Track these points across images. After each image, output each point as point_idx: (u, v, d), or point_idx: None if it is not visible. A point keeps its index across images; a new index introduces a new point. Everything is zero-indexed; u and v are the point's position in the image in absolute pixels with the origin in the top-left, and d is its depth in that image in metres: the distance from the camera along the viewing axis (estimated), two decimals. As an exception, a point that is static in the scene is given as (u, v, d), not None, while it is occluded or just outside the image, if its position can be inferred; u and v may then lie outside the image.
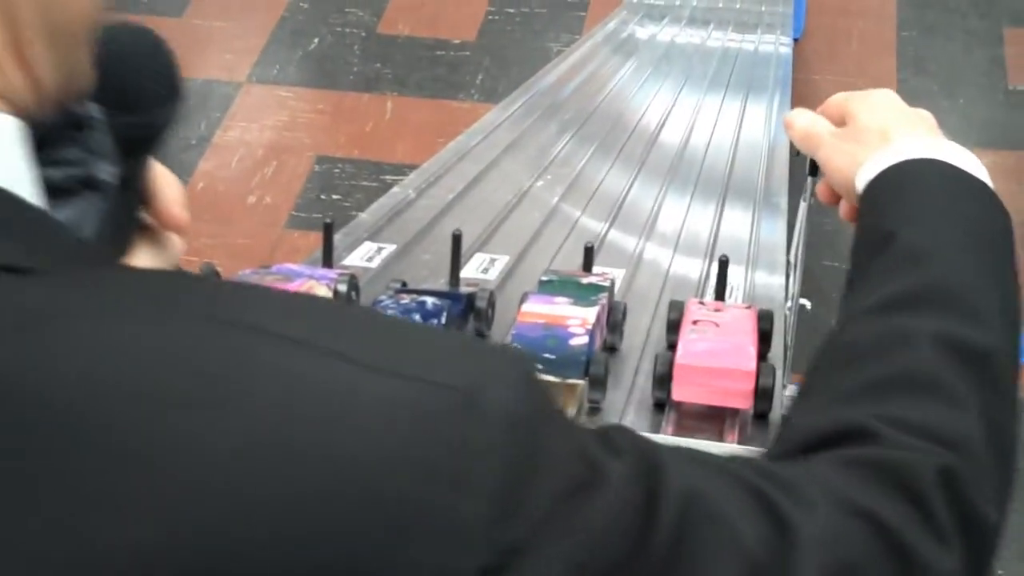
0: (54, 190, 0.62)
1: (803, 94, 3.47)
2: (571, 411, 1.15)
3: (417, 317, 1.17)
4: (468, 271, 1.48)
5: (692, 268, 1.61)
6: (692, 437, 1.10)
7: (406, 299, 1.20)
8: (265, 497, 0.48)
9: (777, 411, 1.16)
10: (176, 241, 0.74)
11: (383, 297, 1.23)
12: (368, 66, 3.57)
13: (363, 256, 1.49)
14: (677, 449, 0.64)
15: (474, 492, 0.50)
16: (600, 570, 0.55)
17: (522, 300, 1.21)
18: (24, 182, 0.57)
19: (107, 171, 0.66)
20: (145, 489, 0.48)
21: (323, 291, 1.29)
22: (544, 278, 1.28)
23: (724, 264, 1.32)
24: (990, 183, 0.91)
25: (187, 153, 3.26)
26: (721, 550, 0.60)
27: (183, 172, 3.20)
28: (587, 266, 1.35)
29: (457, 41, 3.65)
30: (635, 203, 1.87)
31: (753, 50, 3.27)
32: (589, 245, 1.35)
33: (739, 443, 1.09)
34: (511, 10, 3.76)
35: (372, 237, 1.56)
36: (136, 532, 0.47)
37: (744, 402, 1.12)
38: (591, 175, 1.96)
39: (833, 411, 0.75)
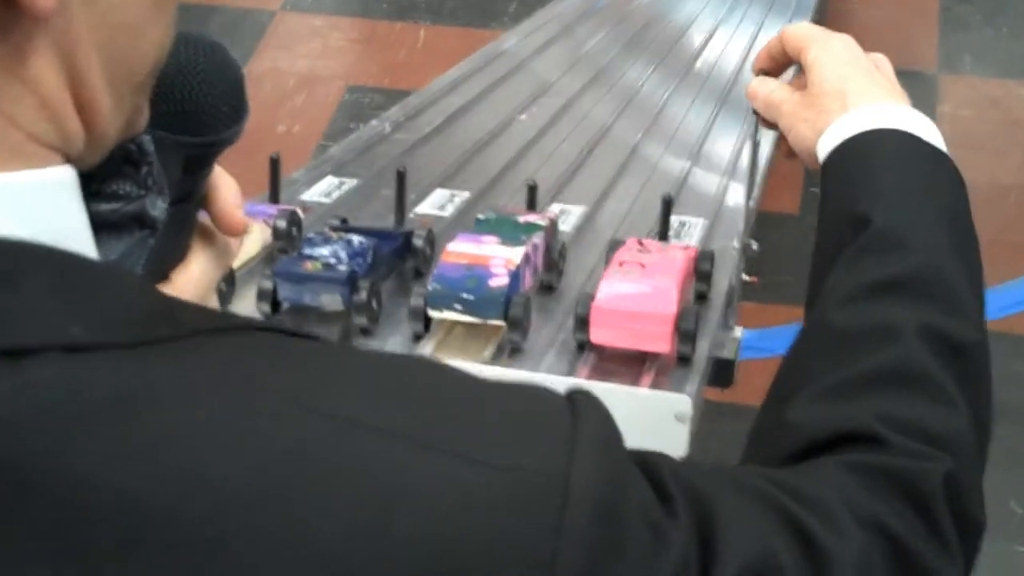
0: (105, 225, 0.62)
1: (843, 22, 3.40)
2: (489, 350, 1.15)
3: (342, 254, 1.17)
4: (425, 207, 1.47)
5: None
6: (608, 381, 1.09)
7: (333, 236, 1.20)
8: None
9: (704, 353, 1.15)
10: (233, 243, 0.72)
11: (311, 233, 1.22)
12: (403, -7, 3.56)
13: (322, 191, 1.49)
14: (714, 473, 0.65)
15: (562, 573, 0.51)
16: None
17: (450, 239, 1.21)
18: (82, 236, 0.55)
19: (160, 208, 0.64)
20: None
21: (256, 230, 1.29)
22: (480, 216, 1.27)
23: (667, 203, 1.30)
24: (945, 148, 0.91)
25: (218, 82, 3.27)
26: None
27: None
28: (530, 204, 1.33)
29: (496, -34, 3.62)
30: (620, 135, 1.85)
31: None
32: (531, 183, 1.34)
33: (654, 387, 1.08)
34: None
35: (336, 171, 1.55)
36: None
37: (663, 346, 1.11)
38: (586, 104, 1.94)
39: (830, 410, 0.75)
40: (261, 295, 1.16)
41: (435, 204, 1.48)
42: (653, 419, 1.06)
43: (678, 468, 0.62)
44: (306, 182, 1.51)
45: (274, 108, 3.22)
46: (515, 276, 1.14)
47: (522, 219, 1.26)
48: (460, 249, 1.18)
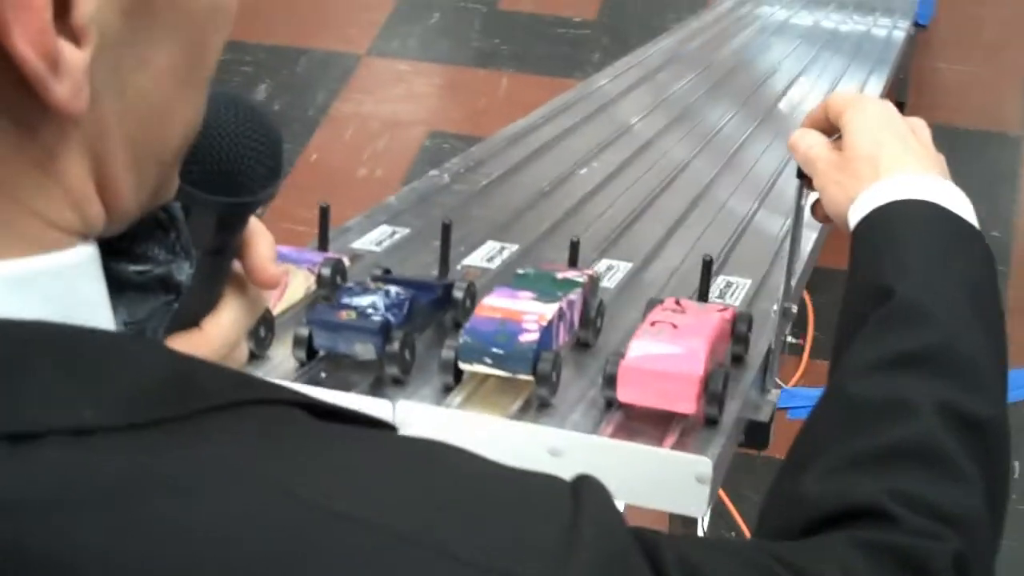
0: (131, 285, 0.63)
1: (927, 82, 3.38)
2: (517, 404, 1.16)
3: (379, 304, 1.19)
4: (474, 259, 1.49)
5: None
6: (633, 440, 1.10)
7: (372, 286, 1.22)
8: None
9: (732, 415, 1.15)
10: (264, 295, 0.73)
11: (351, 283, 1.25)
12: (486, 42, 3.60)
13: (374, 240, 1.51)
14: (715, 549, 0.66)
15: None
16: None
17: (488, 293, 1.22)
18: (98, 310, 0.56)
19: (186, 273, 0.65)
20: None
21: (300, 277, 1.32)
22: (520, 271, 1.29)
23: (708, 264, 1.30)
24: (976, 222, 0.91)
25: (303, 124, 3.33)
26: None
27: (298, 143, 3.27)
28: (572, 260, 1.35)
29: (578, 19, 3.65)
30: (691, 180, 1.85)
31: (864, 32, 3.20)
32: (575, 239, 1.35)
33: (677, 447, 1.08)
34: (636, -13, 3.74)
35: (391, 221, 1.57)
36: None
37: (688, 406, 1.11)
38: (659, 149, 1.95)
39: (842, 483, 0.76)
40: (297, 342, 1.18)
41: (484, 256, 1.49)
42: (674, 479, 1.07)
43: (678, 545, 0.62)
44: (359, 230, 1.54)
45: (356, 152, 3.27)
46: (546, 332, 1.16)
47: (560, 275, 1.28)
48: (495, 303, 1.19)
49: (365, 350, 1.17)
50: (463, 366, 1.15)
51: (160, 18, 0.53)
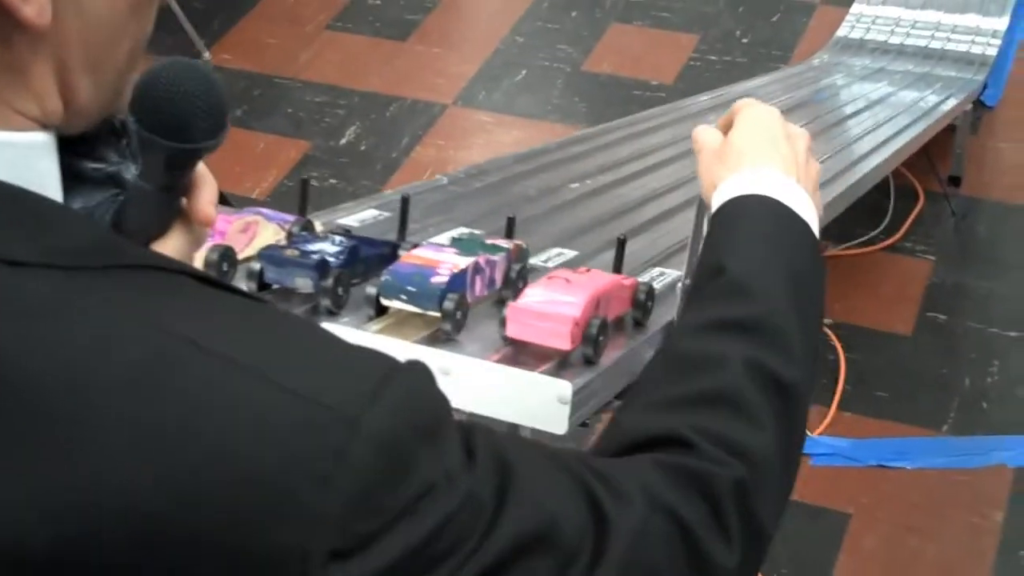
0: (87, 179, 0.81)
1: (986, 161, 3.50)
2: (423, 335, 1.35)
3: (325, 248, 1.39)
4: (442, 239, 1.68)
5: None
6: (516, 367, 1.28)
7: (322, 236, 1.43)
8: (167, 469, 0.65)
9: (610, 360, 1.32)
10: (205, 231, 0.90)
11: (306, 232, 1.45)
12: (566, 100, 3.81)
13: (358, 219, 1.72)
14: (530, 447, 0.80)
15: (336, 491, 0.66)
16: (436, 554, 0.69)
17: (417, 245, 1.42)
18: (50, 185, 0.73)
19: (132, 173, 0.83)
20: (79, 449, 0.65)
21: (271, 229, 1.53)
22: (455, 235, 1.48)
23: (622, 242, 1.48)
24: (815, 226, 1.06)
25: (386, 164, 3.58)
26: (542, 541, 0.75)
27: (378, 180, 3.51)
28: (508, 234, 1.54)
29: (655, 82, 3.84)
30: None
31: (926, 108, 3.32)
32: (511, 216, 1.54)
33: (543, 372, 1.26)
34: (713, 57, 3.92)
35: (380, 207, 1.78)
36: (67, 479, 0.65)
37: (563, 343, 1.29)
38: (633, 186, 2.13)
39: (657, 417, 0.91)
40: (248, 275, 1.39)
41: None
42: (540, 400, 1.24)
43: (495, 437, 0.77)
44: (348, 211, 1.75)
45: (431, 191, 3.50)
46: (457, 278, 1.35)
47: (489, 241, 1.47)
48: (420, 253, 1.39)
49: (304, 284, 1.37)
50: (383, 301, 1.35)
51: None
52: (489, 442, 0.75)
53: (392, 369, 0.71)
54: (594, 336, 1.30)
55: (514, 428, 1.25)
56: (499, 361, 1.29)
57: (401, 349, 1.31)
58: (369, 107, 3.76)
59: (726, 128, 1.16)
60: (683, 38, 3.99)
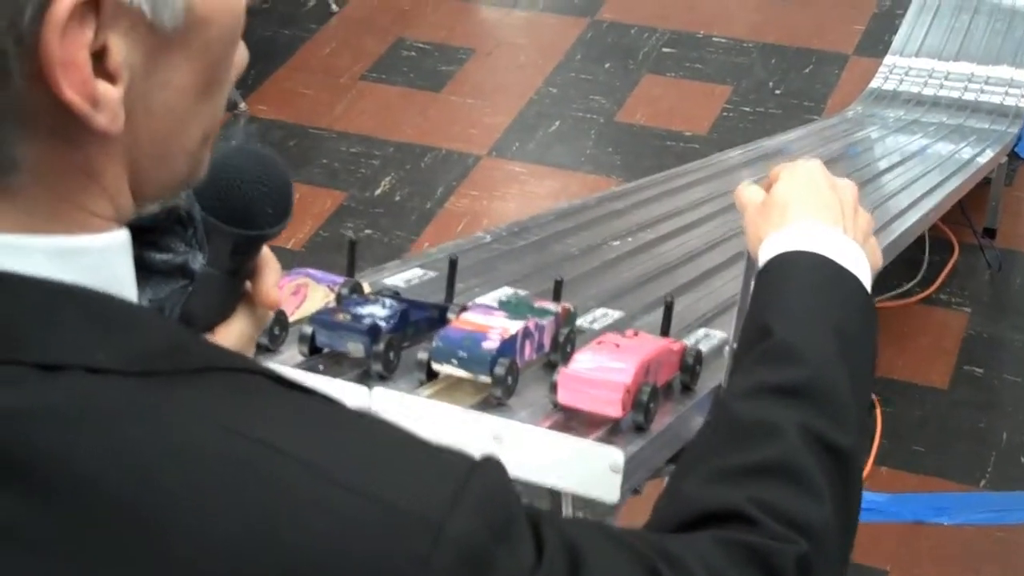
0: (155, 270, 0.83)
1: (1022, 213, 3.50)
2: (475, 400, 1.36)
3: (376, 312, 1.40)
4: (487, 299, 1.69)
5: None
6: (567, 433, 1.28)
7: (372, 299, 1.44)
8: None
9: (662, 427, 1.33)
10: (269, 313, 0.92)
11: (357, 296, 1.47)
12: (600, 150, 3.83)
13: (404, 279, 1.73)
14: (595, 528, 0.80)
15: None
16: None
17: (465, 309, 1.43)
18: (126, 284, 0.73)
19: (199, 263, 0.84)
20: (161, 559, 0.64)
21: (320, 292, 1.54)
22: (503, 298, 1.49)
23: (669, 305, 1.49)
24: (867, 277, 1.05)
25: (421, 214, 3.60)
26: None
27: (412, 231, 3.53)
28: (555, 296, 1.54)
29: (689, 133, 3.85)
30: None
31: (961, 161, 3.33)
32: (558, 279, 1.55)
33: (594, 439, 1.27)
34: (747, 109, 3.93)
35: (425, 266, 1.79)
36: None
37: (615, 410, 1.29)
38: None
39: (714, 490, 0.90)
40: (301, 339, 1.40)
41: (495, 297, 1.69)
42: (591, 468, 1.25)
43: (562, 523, 0.76)
44: (394, 270, 1.76)
45: (465, 241, 3.52)
46: (508, 344, 1.35)
47: (538, 304, 1.48)
48: (469, 318, 1.40)
49: (356, 348, 1.38)
50: (434, 366, 1.36)
51: (178, 50, 0.70)
52: (557, 528, 0.75)
53: (471, 469, 0.71)
54: (645, 403, 1.30)
55: (561, 497, 1.25)
56: (550, 428, 1.29)
57: (453, 415, 1.31)
58: (404, 158, 3.79)
59: (769, 188, 1.14)
60: (716, 89, 4.01)
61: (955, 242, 3.39)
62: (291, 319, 1.45)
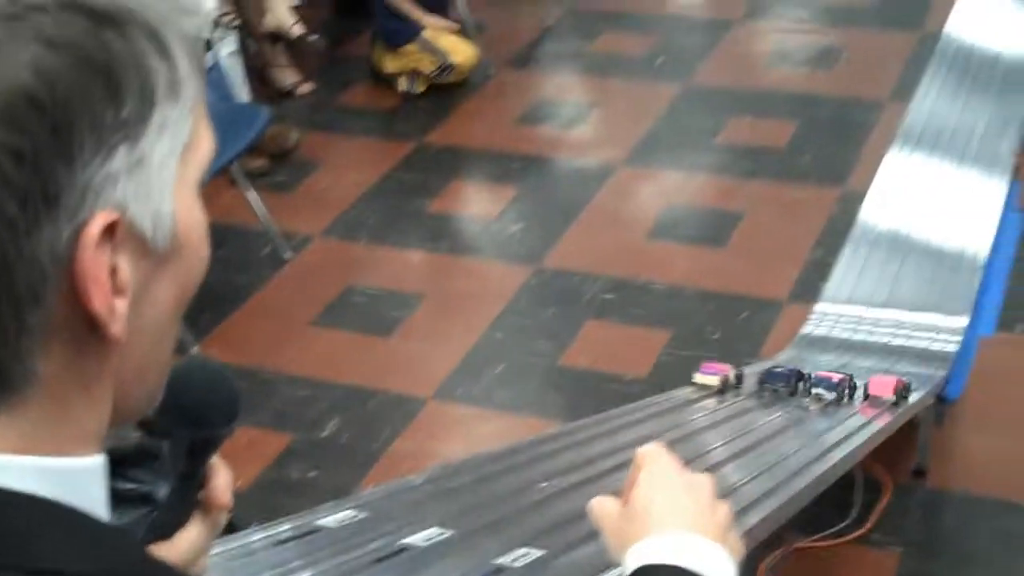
0: (121, 498, 0.89)
1: (952, 453, 3.60)
2: None
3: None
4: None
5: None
6: None
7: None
8: None
9: None
10: (223, 517, 0.98)
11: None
12: (543, 393, 3.93)
13: (337, 519, 1.79)
14: None
15: None
16: None
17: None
18: (99, 505, 0.81)
19: (163, 492, 0.93)
20: None
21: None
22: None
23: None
24: (730, 570, 1.07)
25: (366, 456, 3.66)
26: None
27: (357, 475, 3.59)
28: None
29: (630, 376, 3.96)
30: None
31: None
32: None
33: None
34: (685, 352, 4.05)
35: (359, 507, 1.86)
36: None
37: None
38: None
39: None
40: None
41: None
42: None
43: None
44: (327, 511, 1.82)
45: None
46: None
47: None
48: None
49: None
50: None
51: (168, 272, 0.81)
52: None
53: None
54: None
55: None
56: None
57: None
58: (350, 401, 3.87)
59: (631, 486, 1.15)
60: (655, 334, 4.14)
61: (888, 482, 3.48)
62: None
